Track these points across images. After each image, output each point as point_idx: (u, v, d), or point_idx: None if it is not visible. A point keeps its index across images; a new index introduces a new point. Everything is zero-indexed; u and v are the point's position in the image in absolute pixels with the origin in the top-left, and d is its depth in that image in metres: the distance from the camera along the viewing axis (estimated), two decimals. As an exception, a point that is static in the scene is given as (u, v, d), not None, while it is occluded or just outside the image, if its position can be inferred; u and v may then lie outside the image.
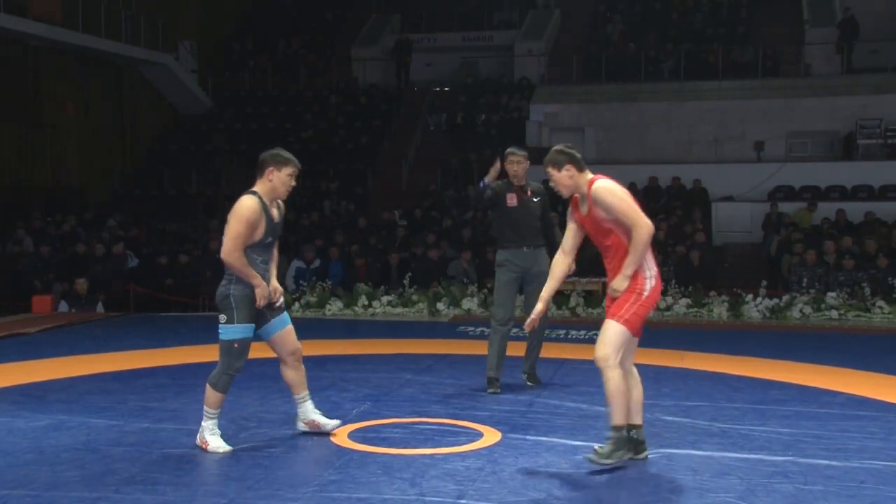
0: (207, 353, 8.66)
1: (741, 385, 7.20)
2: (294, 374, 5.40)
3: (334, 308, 12.39)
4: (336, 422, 5.51)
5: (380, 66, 24.17)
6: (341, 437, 5.48)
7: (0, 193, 17.44)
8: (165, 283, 14.10)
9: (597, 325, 10.72)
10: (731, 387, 7.13)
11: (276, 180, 5.11)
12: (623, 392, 4.73)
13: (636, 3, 23.54)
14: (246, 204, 5.07)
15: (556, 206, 10.71)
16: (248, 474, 4.81)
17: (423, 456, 5.03)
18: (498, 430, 5.63)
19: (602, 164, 18.90)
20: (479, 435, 5.51)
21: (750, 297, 11.99)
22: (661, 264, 13.05)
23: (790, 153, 19.08)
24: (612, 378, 4.70)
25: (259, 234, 5.11)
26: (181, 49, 22.37)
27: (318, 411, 5.52)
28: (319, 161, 20.08)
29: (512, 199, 7.02)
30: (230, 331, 5.13)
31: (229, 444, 5.20)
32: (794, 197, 17.32)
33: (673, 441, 5.43)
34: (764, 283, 12.37)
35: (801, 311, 11.68)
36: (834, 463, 4.95)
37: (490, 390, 6.84)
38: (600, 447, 4.80)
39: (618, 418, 4.75)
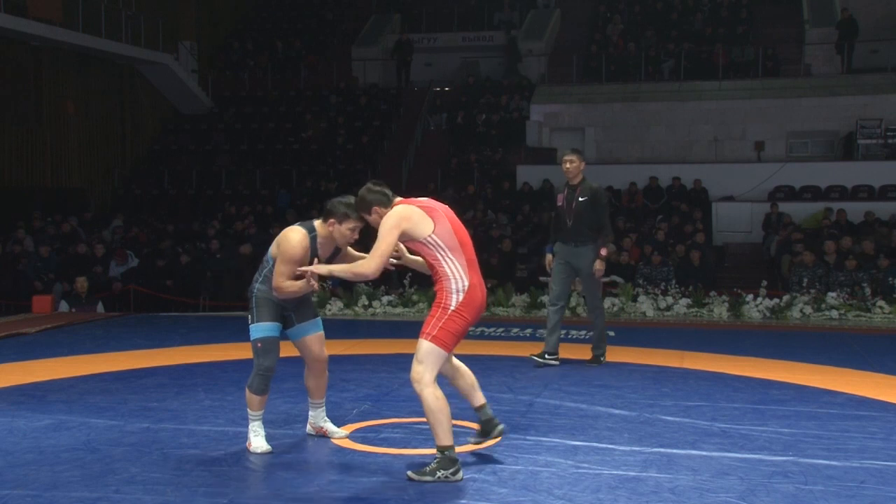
0: (207, 354, 8.68)
1: (741, 385, 7.19)
2: (315, 382, 5.41)
3: (334, 308, 12.38)
4: (344, 432, 5.52)
5: (380, 66, 24.17)
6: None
7: (0, 193, 17.44)
8: (166, 283, 14.11)
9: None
10: (731, 387, 7.11)
11: (336, 232, 5.04)
12: (442, 410, 4.56)
13: (636, 3, 23.56)
14: (293, 241, 4.99)
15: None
16: (248, 474, 4.81)
17: (423, 456, 5.02)
18: (498, 430, 5.62)
19: (602, 164, 18.98)
20: (480, 435, 5.50)
21: (750, 297, 11.98)
22: (661, 264, 13.23)
23: (790, 153, 19.09)
24: (428, 397, 4.56)
25: (303, 264, 5.07)
26: (181, 49, 22.37)
27: (328, 420, 5.55)
28: (319, 161, 20.11)
29: (559, 200, 7.94)
30: (252, 330, 5.17)
31: (268, 444, 5.19)
32: (794, 197, 17.33)
33: (673, 441, 5.42)
34: (764, 283, 12.36)
35: (801, 311, 11.68)
36: (834, 463, 4.95)
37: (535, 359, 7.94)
38: (418, 470, 4.64)
39: (442, 438, 4.59)
